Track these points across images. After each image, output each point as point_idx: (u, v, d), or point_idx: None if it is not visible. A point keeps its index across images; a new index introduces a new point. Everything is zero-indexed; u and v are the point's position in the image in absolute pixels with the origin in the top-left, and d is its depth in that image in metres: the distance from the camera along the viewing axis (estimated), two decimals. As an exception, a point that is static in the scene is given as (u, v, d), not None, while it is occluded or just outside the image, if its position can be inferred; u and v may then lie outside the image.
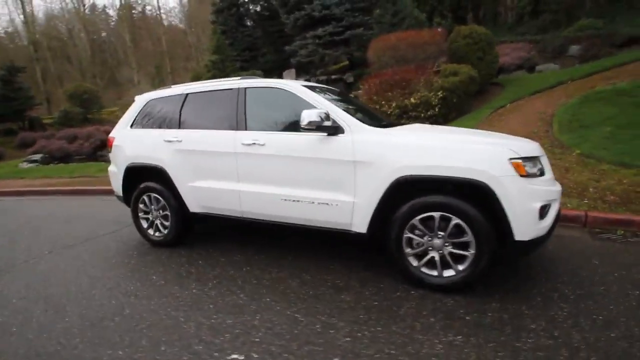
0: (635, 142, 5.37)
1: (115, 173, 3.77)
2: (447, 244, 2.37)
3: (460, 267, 2.35)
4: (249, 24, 21.59)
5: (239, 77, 3.27)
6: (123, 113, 3.98)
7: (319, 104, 2.75)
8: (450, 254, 2.37)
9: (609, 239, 3.26)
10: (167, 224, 3.52)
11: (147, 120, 3.62)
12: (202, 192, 3.22)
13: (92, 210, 5.58)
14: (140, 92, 4.06)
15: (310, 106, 2.79)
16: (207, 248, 3.48)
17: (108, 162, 4.28)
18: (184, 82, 4.22)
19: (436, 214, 2.34)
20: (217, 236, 3.81)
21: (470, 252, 2.31)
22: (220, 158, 3.08)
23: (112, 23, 35.80)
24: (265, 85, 3.07)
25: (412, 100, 8.85)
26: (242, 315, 2.27)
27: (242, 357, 1.85)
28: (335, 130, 2.61)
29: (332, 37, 16.49)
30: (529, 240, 2.22)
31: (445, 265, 2.40)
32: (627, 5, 13.65)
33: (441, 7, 18.40)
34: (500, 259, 2.58)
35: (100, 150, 13.90)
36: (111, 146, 3.82)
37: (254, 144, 2.89)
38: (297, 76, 17.58)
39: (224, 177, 3.10)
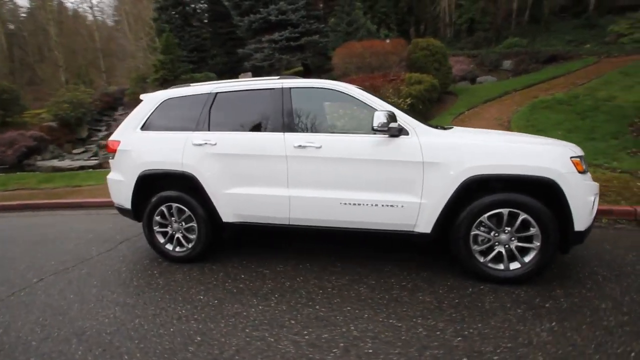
0: (584, 144, 6.30)
1: (120, 182, 3.28)
2: (513, 239, 2.52)
3: (527, 259, 2.51)
4: (196, 24, 20.49)
5: (278, 77, 3.10)
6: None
7: (379, 106, 2.73)
8: (516, 247, 2.53)
9: (599, 226, 3.75)
10: (192, 237, 3.16)
11: (165, 121, 3.23)
12: (241, 200, 2.96)
13: (67, 227, 4.75)
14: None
15: (368, 107, 2.77)
16: (237, 260, 3.20)
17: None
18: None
19: (505, 211, 2.48)
20: (229, 247, 3.52)
21: (536, 245, 2.48)
22: (266, 162, 2.87)
23: (25, 15, 30.98)
24: (313, 86, 2.96)
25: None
26: (334, 327, 2.13)
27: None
28: (399, 131, 2.62)
29: (289, 43, 16.46)
30: (584, 230, 2.47)
31: (510, 259, 2.55)
32: (545, 28, 15.97)
33: (388, 20, 19.53)
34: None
35: (27, 159, 11.90)
36: (113, 151, 3.32)
37: (309, 146, 2.76)
38: (253, 80, 17.16)
39: (271, 182, 2.89)
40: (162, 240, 3.25)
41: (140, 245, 3.77)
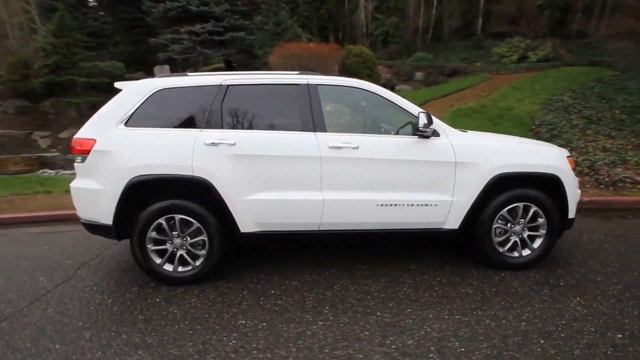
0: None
1: (97, 192, 2.59)
2: (525, 229, 2.86)
3: (535, 246, 2.88)
4: (93, 4, 17.53)
5: (297, 72, 2.88)
6: None
7: (411, 108, 2.78)
8: (528, 237, 2.87)
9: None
10: (200, 252, 2.69)
11: (158, 116, 2.67)
12: (266, 206, 2.65)
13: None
14: None
15: (397, 108, 2.79)
16: (253, 274, 2.85)
17: None
18: None
19: (520, 204, 2.80)
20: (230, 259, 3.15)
21: (542, 233, 2.87)
22: (297, 163, 2.63)
23: None
24: (342, 84, 2.83)
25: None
26: (411, 332, 2.09)
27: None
28: (433, 133, 2.71)
29: (212, 37, 15.45)
30: (573, 217, 2.96)
31: (522, 246, 2.89)
32: (444, 46, 18.49)
33: (310, 24, 19.97)
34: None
35: None
36: (84, 152, 2.60)
37: (345, 147, 2.63)
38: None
39: (302, 185, 2.66)
40: (158, 260, 2.69)
41: (108, 270, 3.06)
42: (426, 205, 2.74)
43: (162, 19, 15.81)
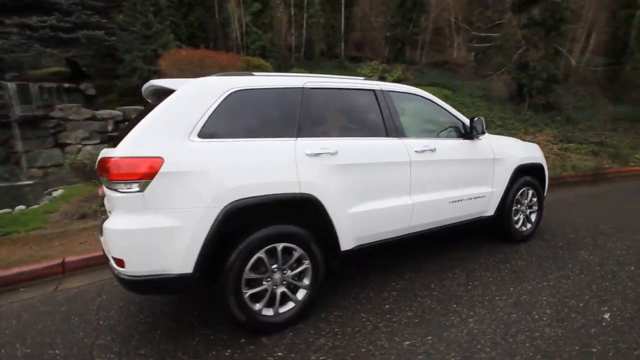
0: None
1: (172, 231, 1.84)
2: (527, 208, 3.63)
3: (533, 220, 3.69)
4: None
5: (363, 77, 2.79)
6: None
7: (457, 113, 3.12)
8: (529, 214, 3.65)
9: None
10: (304, 284, 2.25)
11: (237, 123, 2.11)
12: (365, 218, 2.45)
13: None
14: None
15: (448, 113, 3.09)
16: (333, 297, 2.58)
17: None
18: None
19: (526, 189, 3.54)
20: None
21: (535, 209, 3.70)
22: (393, 170, 2.56)
23: None
24: (407, 91, 2.90)
25: None
26: (531, 321, 2.38)
27: (595, 350, 1.92)
28: (478, 135, 3.13)
29: (56, 33, 12.21)
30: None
31: (524, 224, 3.64)
32: (316, 65, 20.21)
33: (179, 31, 18.31)
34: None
35: None
36: (146, 177, 1.81)
37: (426, 150, 2.73)
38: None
39: (395, 191, 2.60)
40: (256, 306, 2.10)
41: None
42: (478, 197, 3.13)
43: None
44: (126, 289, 1.98)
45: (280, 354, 1.99)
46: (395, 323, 2.23)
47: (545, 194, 3.83)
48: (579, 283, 2.68)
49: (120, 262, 1.85)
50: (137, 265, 1.84)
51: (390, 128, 2.66)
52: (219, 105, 2.06)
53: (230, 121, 2.09)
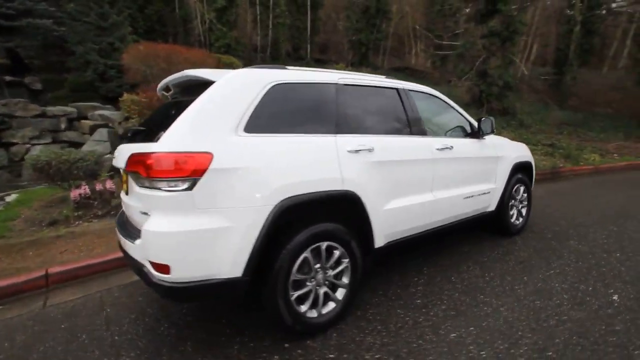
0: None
1: (222, 232, 1.70)
2: (520, 203, 3.89)
3: (524, 214, 3.96)
4: None
5: (384, 76, 2.81)
6: None
7: (465, 113, 3.26)
8: (521, 208, 3.92)
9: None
10: (343, 283, 2.21)
11: (278, 118, 2.01)
12: (397, 214, 2.47)
13: None
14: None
15: (457, 112, 3.23)
16: (366, 291, 2.57)
17: None
18: None
19: (519, 185, 3.80)
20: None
21: (525, 204, 3.98)
22: (420, 167, 2.62)
23: None
24: (424, 90, 2.98)
25: None
26: (555, 306, 2.55)
27: (619, 327, 2.11)
28: (484, 134, 3.30)
29: (-6, 19, 10.86)
30: (531, 187, 4.25)
31: (517, 218, 3.90)
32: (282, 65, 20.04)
33: (135, 24, 17.18)
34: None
35: None
36: (195, 174, 1.66)
37: (445, 148, 2.82)
38: None
39: (420, 188, 2.65)
40: (302, 308, 2.02)
41: None
42: (484, 193, 3.30)
43: None
44: (166, 297, 1.80)
45: (332, 355, 1.93)
46: (433, 317, 2.27)
47: (532, 187, 4.15)
48: (580, 270, 2.93)
49: (163, 268, 1.67)
50: (184, 271, 1.68)
51: (414, 126, 2.72)
52: (262, 99, 1.96)
53: (272, 115, 1.99)
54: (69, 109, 10.01)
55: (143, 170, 1.69)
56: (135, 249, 1.82)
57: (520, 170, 3.81)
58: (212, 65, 10.88)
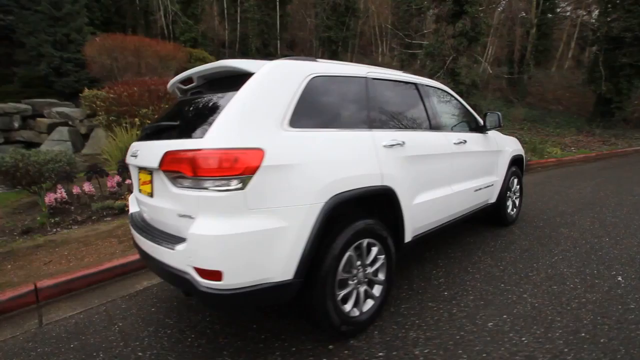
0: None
1: (277, 232, 1.61)
2: (514, 194, 4.09)
3: (517, 204, 4.18)
4: None
5: (400, 71, 2.80)
6: None
7: (470, 108, 3.35)
8: (514, 199, 4.13)
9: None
10: (379, 279, 2.18)
11: (316, 112, 1.94)
12: (423, 208, 2.49)
13: None
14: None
15: (464, 107, 3.32)
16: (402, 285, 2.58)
17: None
18: None
19: (513, 177, 4.00)
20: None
21: (518, 195, 4.20)
22: (441, 161, 2.66)
23: None
24: (436, 86, 3.02)
25: None
26: (571, 290, 2.71)
27: (633, 305, 2.33)
28: (489, 129, 3.42)
29: None
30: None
31: (512, 209, 4.11)
32: (254, 61, 19.57)
33: (93, 17, 15.93)
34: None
35: None
36: (247, 172, 1.54)
37: (460, 142, 2.89)
38: None
39: (442, 182, 2.70)
40: (347, 307, 1.97)
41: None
42: (489, 186, 3.43)
43: None
44: (214, 305, 1.69)
45: (381, 354, 1.90)
46: (465, 308, 2.32)
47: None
48: (580, 255, 3.14)
49: (213, 275, 1.54)
50: (238, 276, 1.56)
51: (433, 120, 2.75)
52: (303, 91, 1.87)
53: (312, 109, 1.91)
54: (22, 105, 9.07)
55: (188, 169, 1.54)
56: (174, 255, 1.66)
57: (515, 163, 4.01)
58: (183, 60, 10.38)
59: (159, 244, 1.78)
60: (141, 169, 2.04)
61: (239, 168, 1.53)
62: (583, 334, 2.00)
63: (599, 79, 13.94)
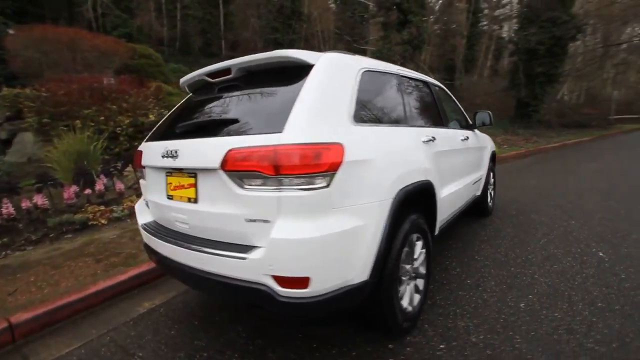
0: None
1: (357, 232, 1.53)
2: (490, 186, 4.47)
3: (493, 195, 4.57)
4: None
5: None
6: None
7: (460, 106, 3.58)
8: (490, 191, 4.51)
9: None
10: (422, 273, 2.20)
11: (370, 107, 1.90)
12: (446, 202, 2.58)
13: None
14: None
15: (457, 105, 3.53)
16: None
17: None
18: None
19: (491, 172, 4.37)
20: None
21: (492, 188, 4.60)
22: (457, 156, 2.82)
23: None
24: (439, 85, 3.15)
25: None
26: (570, 267, 3.03)
27: (624, 275, 2.73)
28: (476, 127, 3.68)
29: None
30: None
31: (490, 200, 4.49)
32: (196, 62, 18.56)
33: (3, 6, 13.68)
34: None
35: None
36: (330, 168, 1.44)
37: (464, 138, 3.06)
38: None
39: (456, 176, 2.84)
40: (404, 304, 1.95)
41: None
42: (478, 180, 3.70)
43: None
44: (298, 315, 1.58)
45: (442, 346, 1.92)
46: (492, 293, 2.46)
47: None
48: (560, 237, 3.54)
49: (298, 283, 1.41)
50: (325, 282, 1.45)
51: (443, 117, 2.88)
52: (359, 86, 1.82)
53: (367, 104, 1.87)
54: None
55: (268, 166, 1.39)
56: (244, 265, 1.48)
57: (492, 159, 4.38)
58: (125, 56, 9.42)
59: (212, 254, 1.57)
60: (175, 172, 1.79)
61: (323, 165, 1.43)
62: (600, 304, 2.25)
63: (519, 85, 15.96)
